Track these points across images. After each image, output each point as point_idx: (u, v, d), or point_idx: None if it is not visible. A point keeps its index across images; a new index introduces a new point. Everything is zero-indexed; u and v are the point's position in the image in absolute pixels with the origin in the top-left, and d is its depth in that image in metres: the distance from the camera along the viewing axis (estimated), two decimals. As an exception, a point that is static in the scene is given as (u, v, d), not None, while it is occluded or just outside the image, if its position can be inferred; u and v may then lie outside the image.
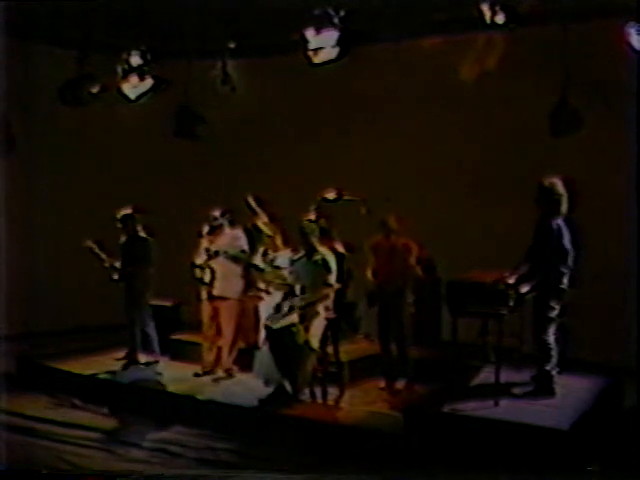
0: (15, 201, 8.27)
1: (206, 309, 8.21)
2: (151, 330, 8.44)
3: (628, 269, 6.97)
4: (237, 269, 8.09)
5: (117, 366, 8.38)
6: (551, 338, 6.64)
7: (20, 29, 8.24)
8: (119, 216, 8.31)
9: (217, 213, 8.10)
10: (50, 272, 9.89)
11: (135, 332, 8.41)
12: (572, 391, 6.76)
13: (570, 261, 6.58)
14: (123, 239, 8.40)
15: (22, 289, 8.93)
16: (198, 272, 8.15)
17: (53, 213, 10.09)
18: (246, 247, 8.14)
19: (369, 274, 7.72)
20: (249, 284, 8.17)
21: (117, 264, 8.33)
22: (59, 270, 9.92)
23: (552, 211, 6.56)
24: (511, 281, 6.55)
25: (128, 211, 8.32)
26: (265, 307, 8.00)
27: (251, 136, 10.15)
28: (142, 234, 8.35)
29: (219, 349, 8.19)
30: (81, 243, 8.29)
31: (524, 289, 6.61)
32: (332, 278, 7.24)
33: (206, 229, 8.15)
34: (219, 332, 8.16)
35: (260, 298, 8.13)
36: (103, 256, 8.32)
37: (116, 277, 8.34)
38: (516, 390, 6.77)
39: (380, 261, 7.67)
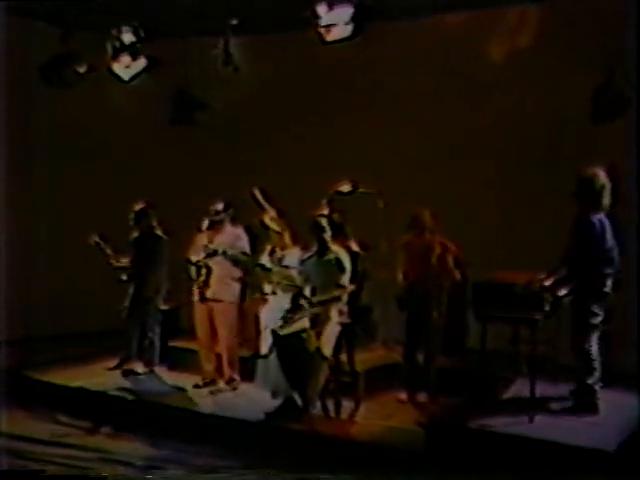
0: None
1: (199, 312, 8.06)
2: (156, 338, 8.42)
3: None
4: (235, 271, 7.97)
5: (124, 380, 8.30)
6: (593, 348, 6.48)
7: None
8: (132, 212, 8.28)
9: (219, 207, 7.97)
10: (30, 279, 9.74)
11: (133, 339, 8.34)
12: (618, 408, 6.57)
13: (615, 261, 6.42)
14: (135, 236, 8.36)
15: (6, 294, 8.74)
16: (193, 271, 8.03)
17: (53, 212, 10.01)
18: (248, 249, 8.02)
19: (400, 275, 7.61)
20: (246, 288, 8.09)
21: (125, 262, 8.29)
22: (41, 276, 9.81)
23: (593, 205, 6.42)
24: (546, 283, 6.40)
25: (141, 206, 8.31)
26: (267, 311, 7.90)
27: (256, 122, 10.00)
28: (158, 232, 8.32)
29: (218, 357, 8.07)
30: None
31: (561, 292, 6.46)
32: (346, 279, 7.15)
33: (205, 224, 8.01)
34: (215, 337, 8.02)
35: (264, 301, 8.03)
36: (109, 252, 8.28)
37: (124, 278, 8.30)
38: (553, 405, 6.64)
39: (412, 261, 7.56)
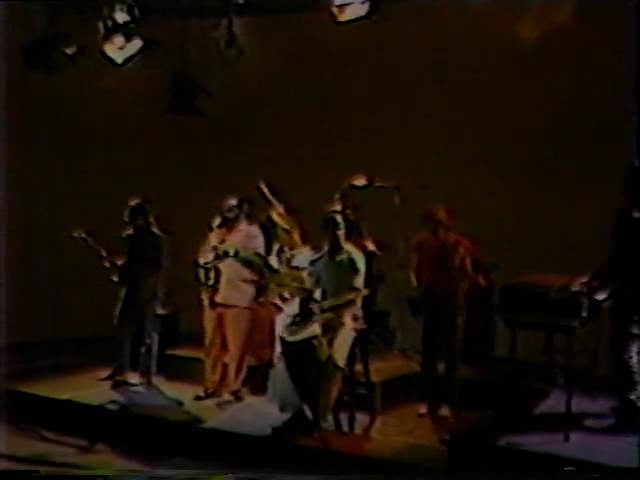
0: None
1: (209, 318, 7.88)
2: (153, 345, 8.33)
3: None
4: (247, 274, 7.76)
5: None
6: (633, 359, 6.20)
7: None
8: (128, 207, 8.17)
9: (232, 203, 7.78)
10: (27, 282, 9.71)
11: (126, 346, 8.25)
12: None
13: None
14: (129, 233, 8.22)
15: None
16: (202, 273, 7.85)
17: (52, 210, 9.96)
18: (262, 249, 7.82)
19: (412, 277, 7.48)
20: (260, 291, 7.89)
21: (118, 262, 8.14)
22: (38, 278, 9.83)
23: (636, 201, 6.14)
24: (584, 286, 6.15)
25: (138, 201, 8.20)
26: (282, 317, 7.72)
27: (262, 110, 9.94)
28: (155, 229, 8.23)
29: (225, 366, 7.89)
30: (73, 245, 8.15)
31: (600, 296, 6.21)
32: (360, 281, 6.98)
33: (217, 221, 7.84)
34: (224, 346, 7.85)
35: (278, 308, 7.88)
36: (103, 252, 8.11)
37: (116, 279, 8.15)
38: (591, 422, 6.43)
39: (426, 262, 7.39)
